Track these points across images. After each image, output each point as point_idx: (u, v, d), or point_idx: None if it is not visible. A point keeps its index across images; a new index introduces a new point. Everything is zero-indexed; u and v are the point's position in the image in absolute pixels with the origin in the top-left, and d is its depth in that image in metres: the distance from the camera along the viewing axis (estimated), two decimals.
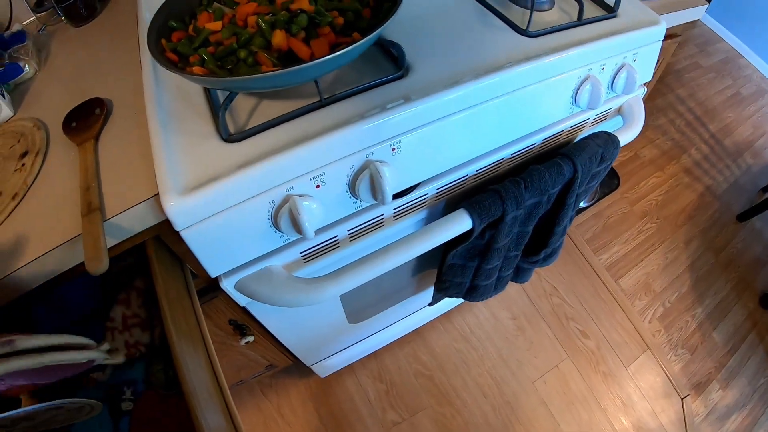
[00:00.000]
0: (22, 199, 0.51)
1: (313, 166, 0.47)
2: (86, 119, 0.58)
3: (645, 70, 0.70)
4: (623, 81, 0.67)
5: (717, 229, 1.68)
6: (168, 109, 0.52)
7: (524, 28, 0.60)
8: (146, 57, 0.59)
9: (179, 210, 0.44)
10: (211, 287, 0.64)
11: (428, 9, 0.63)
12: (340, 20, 0.50)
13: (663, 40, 0.73)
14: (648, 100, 2.12)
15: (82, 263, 0.49)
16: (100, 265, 0.41)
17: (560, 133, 0.70)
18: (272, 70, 0.43)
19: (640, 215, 1.71)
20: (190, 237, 0.47)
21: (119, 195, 0.48)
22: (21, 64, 0.71)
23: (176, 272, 0.57)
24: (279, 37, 0.48)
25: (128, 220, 0.48)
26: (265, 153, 0.46)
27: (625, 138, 0.75)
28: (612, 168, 1.81)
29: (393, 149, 0.50)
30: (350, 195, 0.51)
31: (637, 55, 0.67)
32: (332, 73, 0.54)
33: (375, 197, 0.51)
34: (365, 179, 0.49)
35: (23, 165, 0.55)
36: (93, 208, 0.47)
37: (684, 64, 2.35)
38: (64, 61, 0.71)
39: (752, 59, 2.36)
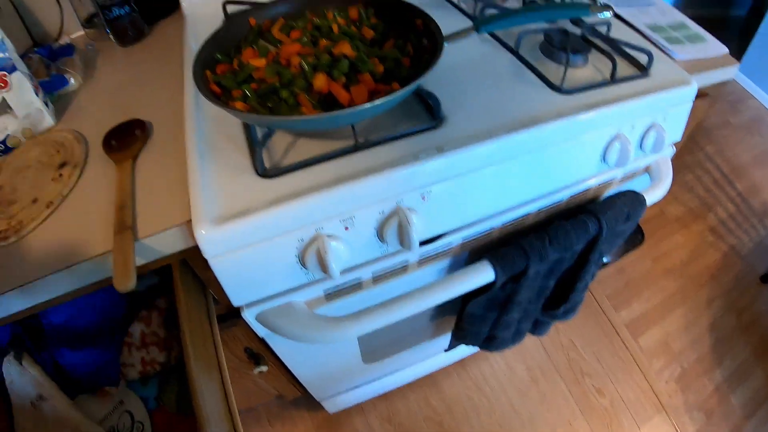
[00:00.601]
0: (56, 209, 0.54)
1: (343, 208, 0.49)
2: (126, 139, 0.61)
3: (675, 130, 0.72)
4: (652, 141, 0.68)
5: (740, 290, 1.66)
6: (206, 139, 0.55)
7: (558, 84, 0.62)
8: (189, 85, 0.62)
9: (210, 239, 0.46)
10: (230, 314, 0.65)
11: (465, 60, 0.66)
12: (380, 68, 0.53)
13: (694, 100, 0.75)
14: (676, 157, 2.12)
15: (109, 278, 0.51)
16: (128, 283, 0.43)
17: (587, 189, 0.72)
18: (312, 114, 0.45)
19: (662, 273, 1.70)
20: (217, 265, 0.49)
21: (152, 217, 0.51)
22: (67, 76, 0.75)
23: (199, 297, 0.58)
24: (320, 81, 0.51)
25: (158, 243, 0.51)
26: (298, 192, 0.48)
27: (651, 197, 0.76)
28: (637, 224, 1.82)
29: (423, 197, 0.52)
30: (378, 239, 0.53)
31: (667, 115, 0.68)
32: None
33: (402, 243, 0.53)
34: (393, 225, 0.51)
35: (61, 175, 0.58)
36: (126, 226, 0.49)
37: (714, 121, 2.36)
38: (109, 78, 0.76)
39: None
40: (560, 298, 0.79)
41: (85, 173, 0.59)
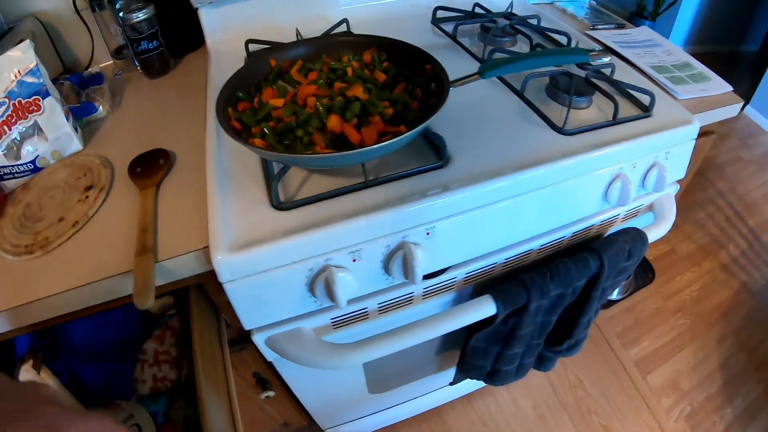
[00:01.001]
0: (81, 228, 0.59)
1: (351, 241, 0.53)
2: (150, 167, 0.66)
3: (677, 168, 0.75)
4: (654, 179, 0.71)
5: (751, 328, 1.66)
6: (226, 170, 0.60)
7: (561, 125, 0.66)
8: (211, 119, 0.67)
9: (226, 264, 0.50)
10: (241, 339, 0.69)
11: (472, 101, 0.71)
12: (390, 111, 0.58)
13: (697, 138, 0.78)
14: (687, 194, 2.15)
15: (128, 295, 0.55)
16: (146, 302, 0.47)
17: (590, 227, 0.75)
18: (325, 152, 0.49)
19: (673, 311, 1.70)
20: (231, 290, 0.52)
21: (172, 241, 0.55)
22: (96, 104, 0.81)
23: (212, 320, 0.62)
24: (333, 121, 0.56)
25: (176, 266, 0.55)
26: (310, 224, 0.52)
27: (654, 235, 0.78)
28: (647, 262, 1.83)
29: (427, 233, 0.56)
30: (383, 271, 0.57)
31: (670, 154, 0.72)
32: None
33: (406, 276, 0.56)
34: (399, 259, 0.55)
35: (87, 197, 0.63)
36: (147, 249, 0.53)
37: (725, 157, 2.39)
38: (135, 108, 0.81)
39: None
40: (564, 334, 0.81)
41: (110, 197, 0.63)
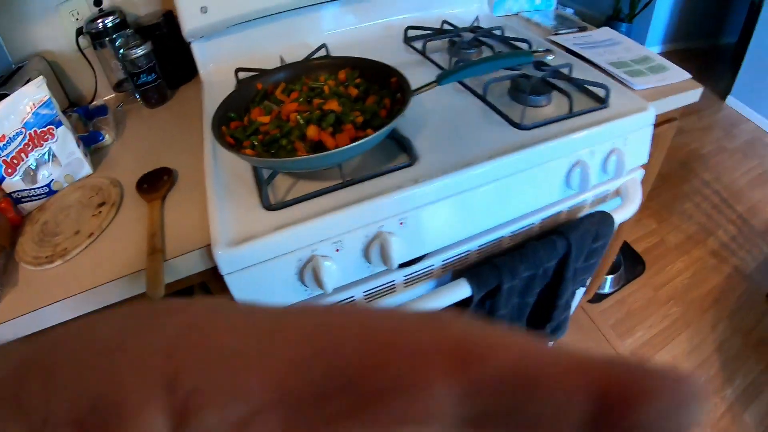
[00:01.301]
0: (96, 239, 0.67)
1: (333, 233, 0.61)
2: (156, 183, 0.75)
3: (638, 153, 0.83)
4: (614, 164, 0.80)
5: (746, 310, 1.71)
6: (222, 181, 0.69)
7: (519, 122, 0.75)
8: (208, 139, 0.76)
9: (225, 258, 0.59)
10: None
11: (439, 107, 0.80)
12: (360, 119, 0.67)
13: (660, 125, 0.86)
14: (672, 187, 2.22)
15: (142, 293, 0.63)
16: (158, 292, 0.56)
17: (559, 213, 0.83)
18: (304, 156, 0.58)
19: (664, 300, 1.76)
20: (231, 281, 0.61)
21: (178, 243, 0.64)
22: (102, 132, 0.91)
23: None
24: (312, 131, 0.64)
25: (183, 264, 0.63)
26: (296, 220, 0.60)
27: (620, 216, 0.86)
28: (637, 254, 1.90)
29: (401, 223, 0.64)
30: (364, 259, 0.65)
31: (628, 140, 0.80)
32: (357, 160, 0.70)
33: (385, 262, 0.64)
34: (376, 247, 0.63)
35: (100, 212, 0.72)
36: (156, 249, 0.62)
37: (709, 148, 2.47)
38: (138, 135, 0.91)
39: None
40: (544, 317, 0.88)
41: (121, 211, 0.72)
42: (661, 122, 0.96)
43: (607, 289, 1.78)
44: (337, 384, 0.10)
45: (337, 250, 0.63)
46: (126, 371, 0.11)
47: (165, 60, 0.98)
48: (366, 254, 0.64)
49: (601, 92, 0.80)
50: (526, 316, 0.88)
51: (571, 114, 0.77)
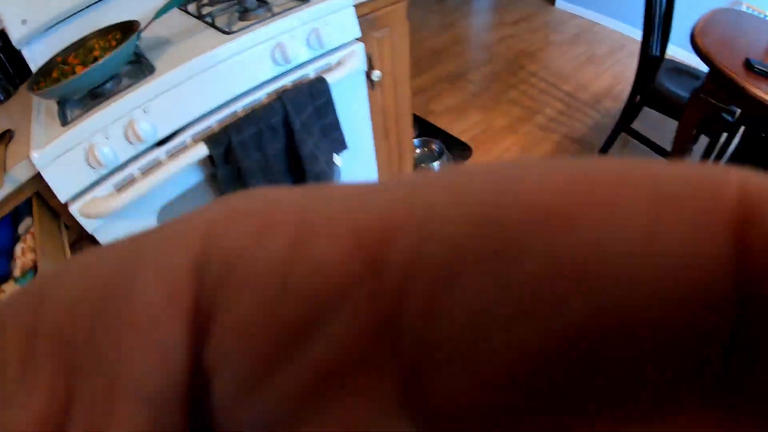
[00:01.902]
0: None
1: (103, 124, 1.00)
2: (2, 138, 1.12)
3: (343, 30, 1.22)
4: (316, 40, 1.18)
5: None
6: (40, 122, 1.07)
7: (227, 29, 1.13)
8: (34, 102, 1.14)
9: (39, 155, 0.96)
10: (80, 239, 1.14)
11: (172, 33, 1.18)
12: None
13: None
14: (500, 82, 2.57)
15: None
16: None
17: (284, 86, 1.21)
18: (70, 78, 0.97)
19: None
20: (46, 172, 0.98)
21: (14, 162, 1.01)
22: None
23: (54, 226, 1.08)
24: (79, 69, 1.02)
25: (19, 172, 1.00)
26: (78, 124, 0.98)
27: (331, 77, 1.23)
28: (463, 143, 2.26)
29: (144, 111, 1.03)
30: (127, 142, 1.03)
31: (329, 20, 1.18)
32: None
33: (139, 140, 1.02)
34: (131, 131, 1.01)
35: None
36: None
37: (537, 46, 2.86)
38: None
39: (607, 23, 2.86)
40: (301, 170, 1.26)
41: None
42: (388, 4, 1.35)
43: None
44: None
45: (107, 138, 1.01)
46: None
47: (4, 65, 1.35)
48: (127, 137, 1.03)
49: None
50: (281, 170, 1.25)
51: (273, 14, 1.16)
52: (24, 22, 1.26)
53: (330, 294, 0.08)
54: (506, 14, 3.16)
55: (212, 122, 1.15)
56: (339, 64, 1.30)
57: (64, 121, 1.02)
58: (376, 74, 1.41)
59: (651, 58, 1.85)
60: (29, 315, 0.09)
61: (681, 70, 1.92)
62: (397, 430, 0.08)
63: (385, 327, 0.08)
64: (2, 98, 1.35)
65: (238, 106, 1.17)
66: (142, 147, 1.06)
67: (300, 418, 0.08)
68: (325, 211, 0.08)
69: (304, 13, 1.15)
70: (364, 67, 1.32)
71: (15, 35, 1.26)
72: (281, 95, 1.17)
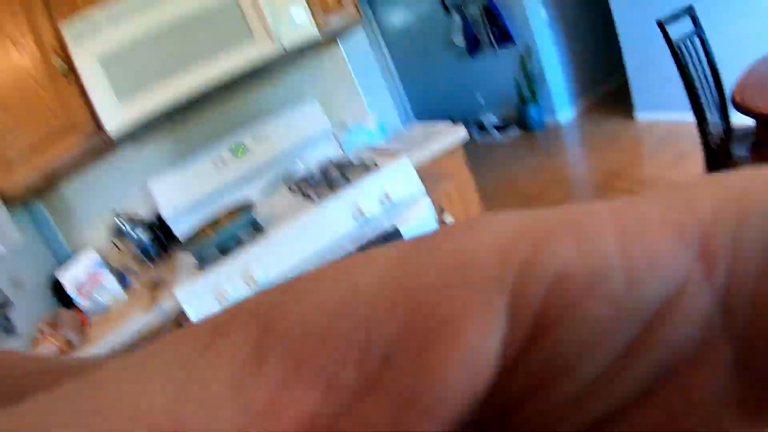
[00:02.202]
0: None
1: (227, 271, 1.30)
2: (156, 285, 1.48)
3: (408, 186, 1.51)
4: (386, 198, 1.47)
5: None
6: (182, 272, 1.41)
7: (316, 199, 1.45)
8: (180, 260, 1.51)
9: (181, 291, 1.27)
10: None
11: (281, 204, 1.53)
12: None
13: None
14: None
15: None
16: None
17: (367, 239, 1.47)
18: (204, 239, 1.31)
19: None
20: (184, 304, 1.28)
21: (162, 298, 1.33)
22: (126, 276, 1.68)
23: None
24: (210, 234, 1.38)
25: (166, 304, 1.31)
26: (210, 270, 1.30)
27: (404, 226, 1.48)
28: None
29: (257, 260, 1.32)
30: (245, 283, 1.32)
31: (395, 179, 1.48)
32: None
33: (255, 282, 1.30)
34: (247, 275, 1.30)
35: None
36: None
37: (623, 163, 2.85)
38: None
39: (690, 118, 2.72)
40: None
41: None
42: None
43: None
44: None
45: (230, 279, 1.30)
46: None
47: (160, 236, 1.80)
48: (245, 280, 1.31)
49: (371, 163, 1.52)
50: None
51: (350, 182, 1.47)
52: (172, 206, 1.73)
53: (669, 286, 0.08)
54: (593, 141, 3.34)
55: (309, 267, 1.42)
56: (410, 214, 1.55)
57: (199, 269, 1.34)
58: (448, 219, 1.64)
59: (715, 141, 1.71)
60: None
61: (748, 134, 1.74)
62: (733, 429, 0.08)
63: (716, 318, 0.08)
64: (158, 260, 1.79)
65: (328, 255, 1.44)
66: (256, 288, 1.34)
67: (628, 414, 0.08)
68: (637, 212, 0.08)
69: (374, 177, 1.46)
70: (434, 214, 1.55)
71: (166, 214, 1.73)
72: (364, 247, 1.43)
